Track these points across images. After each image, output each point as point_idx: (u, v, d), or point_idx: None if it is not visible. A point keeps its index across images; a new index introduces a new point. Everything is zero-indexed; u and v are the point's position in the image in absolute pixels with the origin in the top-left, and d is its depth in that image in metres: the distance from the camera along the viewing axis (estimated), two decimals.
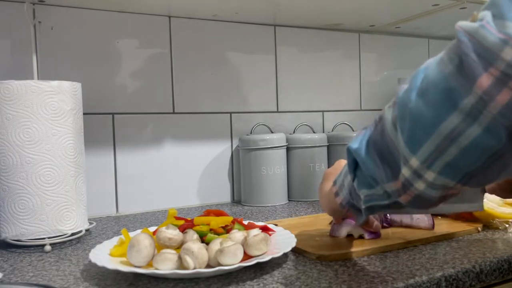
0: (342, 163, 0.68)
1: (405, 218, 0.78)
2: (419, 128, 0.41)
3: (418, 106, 0.41)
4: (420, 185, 0.43)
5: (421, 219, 0.77)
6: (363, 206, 0.54)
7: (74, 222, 0.81)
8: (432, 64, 0.42)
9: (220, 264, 0.57)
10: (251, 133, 1.18)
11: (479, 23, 0.38)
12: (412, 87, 0.42)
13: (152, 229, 0.72)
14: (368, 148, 0.50)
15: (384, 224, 0.79)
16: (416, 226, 0.77)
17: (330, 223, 0.82)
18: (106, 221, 1.00)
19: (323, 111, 1.34)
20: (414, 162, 0.42)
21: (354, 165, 0.53)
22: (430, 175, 0.42)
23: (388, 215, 0.79)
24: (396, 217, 0.78)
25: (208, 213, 0.73)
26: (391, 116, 0.45)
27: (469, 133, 0.38)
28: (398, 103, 0.44)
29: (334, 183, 0.62)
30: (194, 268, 0.56)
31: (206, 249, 0.59)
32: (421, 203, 0.46)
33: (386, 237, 0.73)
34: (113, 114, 1.07)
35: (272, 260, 0.62)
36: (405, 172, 0.44)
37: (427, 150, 0.41)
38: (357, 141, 0.52)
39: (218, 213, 0.73)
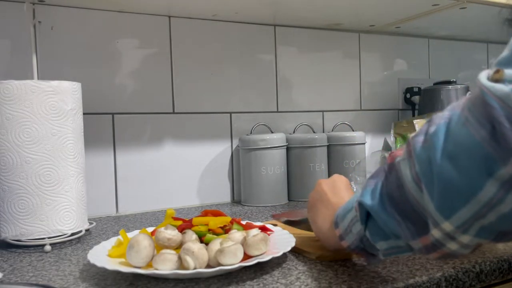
0: (323, 187, 0.65)
1: None
2: (452, 195, 0.39)
3: (447, 171, 0.39)
4: (453, 246, 0.42)
5: None
6: (381, 256, 0.52)
7: (74, 222, 0.81)
8: (455, 122, 0.40)
9: (220, 264, 0.57)
10: (251, 133, 1.18)
11: (510, 88, 0.36)
12: (435, 146, 0.40)
13: (150, 229, 0.72)
14: (384, 204, 0.47)
15: None
16: None
17: None
18: (106, 221, 1.00)
19: (323, 111, 1.34)
20: (448, 226, 0.40)
21: (366, 217, 0.51)
22: (465, 238, 0.41)
23: None
24: None
25: (206, 213, 0.73)
26: (410, 173, 0.43)
27: (509, 200, 0.37)
28: (417, 160, 0.42)
29: (336, 225, 0.56)
30: (195, 268, 0.56)
31: (206, 249, 0.59)
32: (450, 258, 0.46)
33: None
34: (113, 114, 1.07)
35: (272, 260, 0.62)
36: (435, 233, 0.42)
37: (462, 217, 0.39)
38: (368, 195, 0.49)
39: (216, 213, 0.72)
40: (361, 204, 0.50)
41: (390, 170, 0.47)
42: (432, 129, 0.41)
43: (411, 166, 0.43)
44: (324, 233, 0.61)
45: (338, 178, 0.67)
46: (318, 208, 0.63)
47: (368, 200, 0.49)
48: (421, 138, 0.42)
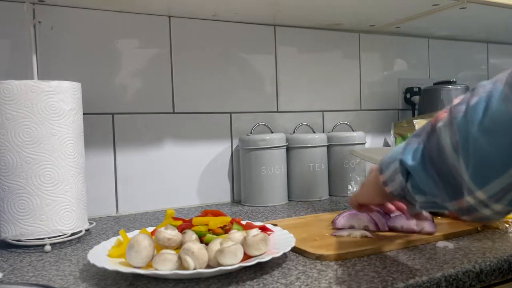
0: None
1: (406, 224, 0.76)
2: (486, 168, 0.41)
3: (483, 145, 0.41)
4: (486, 212, 0.44)
5: (424, 225, 0.75)
6: (418, 208, 0.56)
7: (74, 222, 0.81)
8: (495, 98, 0.41)
9: (220, 264, 0.57)
10: (251, 133, 1.18)
11: None
12: (473, 119, 0.42)
13: (150, 229, 0.72)
14: (425, 165, 0.50)
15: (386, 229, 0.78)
16: (418, 231, 0.75)
17: (332, 222, 0.82)
18: (106, 221, 1.00)
19: (323, 111, 1.34)
20: (481, 195, 0.43)
21: (407, 175, 0.54)
22: (497, 207, 0.43)
23: (387, 221, 0.78)
24: (397, 223, 0.77)
25: (206, 213, 0.73)
26: (450, 141, 0.45)
27: None
28: (457, 129, 0.44)
29: (381, 171, 0.60)
30: (195, 269, 0.56)
31: (206, 250, 0.59)
32: (483, 221, 0.49)
33: (386, 237, 0.73)
34: (113, 114, 1.07)
35: (272, 260, 0.62)
36: (469, 200, 0.44)
37: (495, 188, 0.41)
38: (410, 154, 0.52)
39: (216, 213, 0.72)
40: (402, 162, 0.53)
41: (432, 133, 0.49)
42: (474, 100, 0.43)
43: (452, 135, 0.45)
44: (374, 185, 0.65)
45: None
46: (368, 181, 0.69)
47: (409, 160, 0.52)
48: (462, 108, 0.44)
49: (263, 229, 0.72)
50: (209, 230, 0.66)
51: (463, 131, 0.43)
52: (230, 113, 1.20)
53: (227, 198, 1.20)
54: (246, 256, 0.60)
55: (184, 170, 1.14)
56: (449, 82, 1.35)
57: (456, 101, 0.46)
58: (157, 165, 1.11)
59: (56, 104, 0.78)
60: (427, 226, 0.75)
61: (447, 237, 0.74)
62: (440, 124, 0.48)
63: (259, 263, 0.61)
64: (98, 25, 1.04)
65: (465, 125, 0.43)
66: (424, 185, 0.51)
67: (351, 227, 0.78)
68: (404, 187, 0.56)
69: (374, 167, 0.70)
